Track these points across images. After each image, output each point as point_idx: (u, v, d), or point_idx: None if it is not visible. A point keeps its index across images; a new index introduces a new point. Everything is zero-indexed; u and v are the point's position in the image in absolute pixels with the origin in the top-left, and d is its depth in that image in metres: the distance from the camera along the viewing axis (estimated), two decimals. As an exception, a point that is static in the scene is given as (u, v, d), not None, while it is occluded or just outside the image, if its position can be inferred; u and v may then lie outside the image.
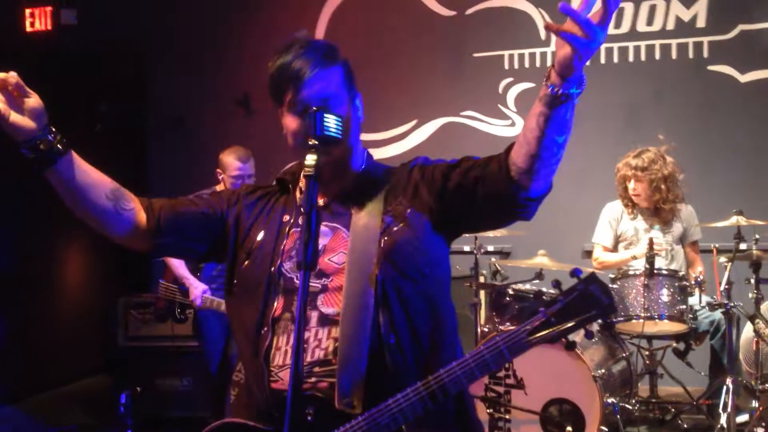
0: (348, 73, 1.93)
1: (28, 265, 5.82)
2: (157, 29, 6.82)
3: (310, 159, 1.69)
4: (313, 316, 1.80)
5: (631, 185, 4.86)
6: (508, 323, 4.31)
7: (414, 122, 6.53)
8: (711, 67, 5.92)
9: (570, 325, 1.69)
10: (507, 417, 3.92)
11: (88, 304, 6.48)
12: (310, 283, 1.73)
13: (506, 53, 6.30)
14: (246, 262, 1.90)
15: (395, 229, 1.83)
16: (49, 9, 6.10)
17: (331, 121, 1.74)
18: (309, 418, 1.73)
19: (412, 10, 6.49)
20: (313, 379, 1.76)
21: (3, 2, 6.11)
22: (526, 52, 6.26)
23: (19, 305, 5.69)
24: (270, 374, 1.80)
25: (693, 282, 4.40)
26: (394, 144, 6.54)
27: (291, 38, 1.90)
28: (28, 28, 6.13)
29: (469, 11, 6.38)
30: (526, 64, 6.26)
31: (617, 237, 5.02)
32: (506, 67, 6.31)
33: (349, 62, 1.95)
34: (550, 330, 1.68)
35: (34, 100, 1.71)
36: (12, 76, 1.67)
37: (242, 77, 6.60)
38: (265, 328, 1.82)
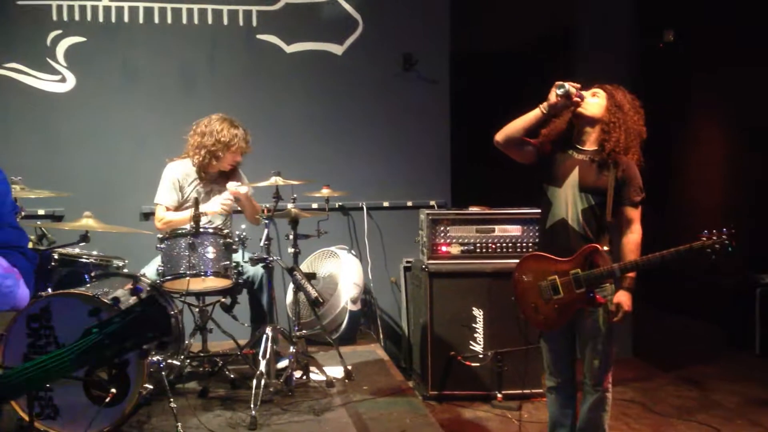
0: None
1: None
2: None
3: None
4: None
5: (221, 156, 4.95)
6: (50, 290, 4.10)
7: (-56, 73, 5.79)
8: (260, 36, 6.19)
9: (126, 346, 1.77)
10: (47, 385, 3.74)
11: None
12: None
13: (54, 3, 5.84)
14: None
15: None
16: None
17: None
18: None
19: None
20: None
21: None
22: (76, 4, 5.88)
23: None
24: None
25: (237, 239, 4.62)
26: None
27: None
28: None
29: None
30: (77, 17, 5.89)
31: (182, 199, 5.03)
32: (55, 18, 5.86)
33: None
34: (105, 351, 1.75)
35: None
36: None
37: None
38: None
